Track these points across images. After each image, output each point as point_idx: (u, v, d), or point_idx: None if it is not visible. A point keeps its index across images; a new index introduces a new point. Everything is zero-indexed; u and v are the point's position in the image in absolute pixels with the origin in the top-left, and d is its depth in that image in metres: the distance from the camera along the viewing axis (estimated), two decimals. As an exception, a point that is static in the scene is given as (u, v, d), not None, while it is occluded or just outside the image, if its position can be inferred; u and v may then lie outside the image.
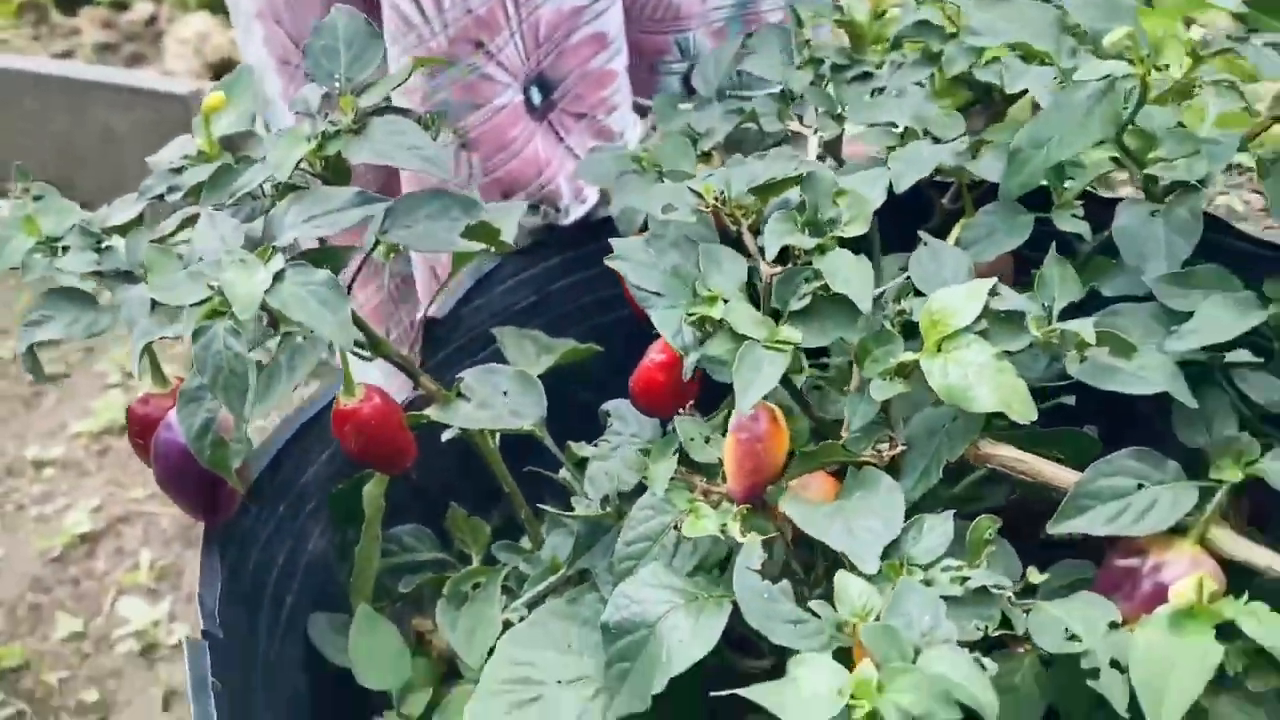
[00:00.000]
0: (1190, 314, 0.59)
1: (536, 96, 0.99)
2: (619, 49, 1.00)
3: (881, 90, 0.84)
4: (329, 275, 0.56)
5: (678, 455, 0.67)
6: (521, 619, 0.77)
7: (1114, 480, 0.58)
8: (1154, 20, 0.56)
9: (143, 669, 1.53)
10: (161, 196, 0.72)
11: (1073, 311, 0.67)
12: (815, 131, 0.79)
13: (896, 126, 0.76)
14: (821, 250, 0.64)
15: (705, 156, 0.89)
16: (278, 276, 0.56)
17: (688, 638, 0.61)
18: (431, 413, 0.75)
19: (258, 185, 0.63)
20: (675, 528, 0.66)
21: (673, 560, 0.66)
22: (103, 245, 0.71)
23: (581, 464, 0.80)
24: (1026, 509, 0.67)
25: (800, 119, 0.83)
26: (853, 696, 0.47)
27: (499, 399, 0.77)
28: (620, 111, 1.03)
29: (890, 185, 0.69)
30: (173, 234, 0.70)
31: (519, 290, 1.04)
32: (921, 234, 0.69)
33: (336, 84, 0.64)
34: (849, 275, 0.61)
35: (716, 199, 0.67)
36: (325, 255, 0.61)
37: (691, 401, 0.73)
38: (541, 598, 0.77)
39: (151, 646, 1.56)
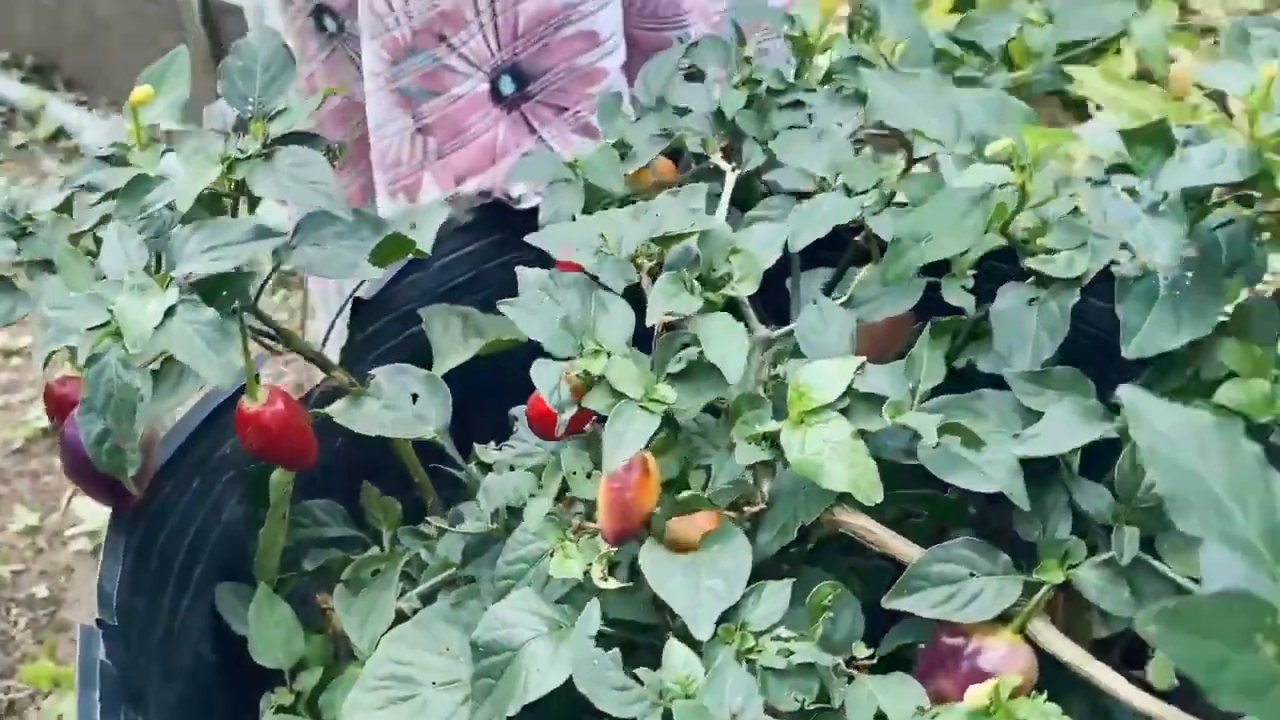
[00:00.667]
0: (1042, 414, 0.62)
1: (509, 86, 1.00)
2: (612, 48, 1.01)
3: (811, 118, 0.86)
4: (216, 316, 0.58)
5: (559, 488, 0.70)
6: (415, 610, 0.82)
7: (946, 566, 0.61)
8: (1036, 136, 0.57)
9: (93, 568, 1.59)
10: (84, 187, 0.73)
11: (955, 378, 0.70)
12: (734, 168, 0.80)
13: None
14: (710, 306, 0.67)
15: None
16: (169, 312, 0.59)
17: (545, 667, 0.65)
18: (335, 414, 0.78)
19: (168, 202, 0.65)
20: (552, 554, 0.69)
21: (545, 586, 0.70)
22: (26, 230, 0.73)
23: (486, 466, 0.84)
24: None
25: (726, 147, 0.84)
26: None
27: (406, 402, 0.80)
28: None
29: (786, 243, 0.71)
30: (92, 229, 0.72)
31: (455, 266, 1.06)
32: (817, 295, 0.72)
33: (250, 107, 0.66)
34: (723, 345, 0.63)
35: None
36: (226, 281, 0.63)
37: (589, 425, 0.76)
38: (433, 593, 0.81)
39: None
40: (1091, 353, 0.70)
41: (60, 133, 2.40)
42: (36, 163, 2.39)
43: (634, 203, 0.82)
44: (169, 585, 0.81)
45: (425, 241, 0.79)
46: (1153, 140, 0.57)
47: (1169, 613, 0.37)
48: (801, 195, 0.80)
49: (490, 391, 0.86)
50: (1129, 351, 0.59)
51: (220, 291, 0.62)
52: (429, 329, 0.96)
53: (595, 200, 0.86)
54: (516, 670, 0.67)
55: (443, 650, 0.74)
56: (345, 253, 0.69)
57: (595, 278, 0.71)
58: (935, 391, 0.67)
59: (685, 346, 0.66)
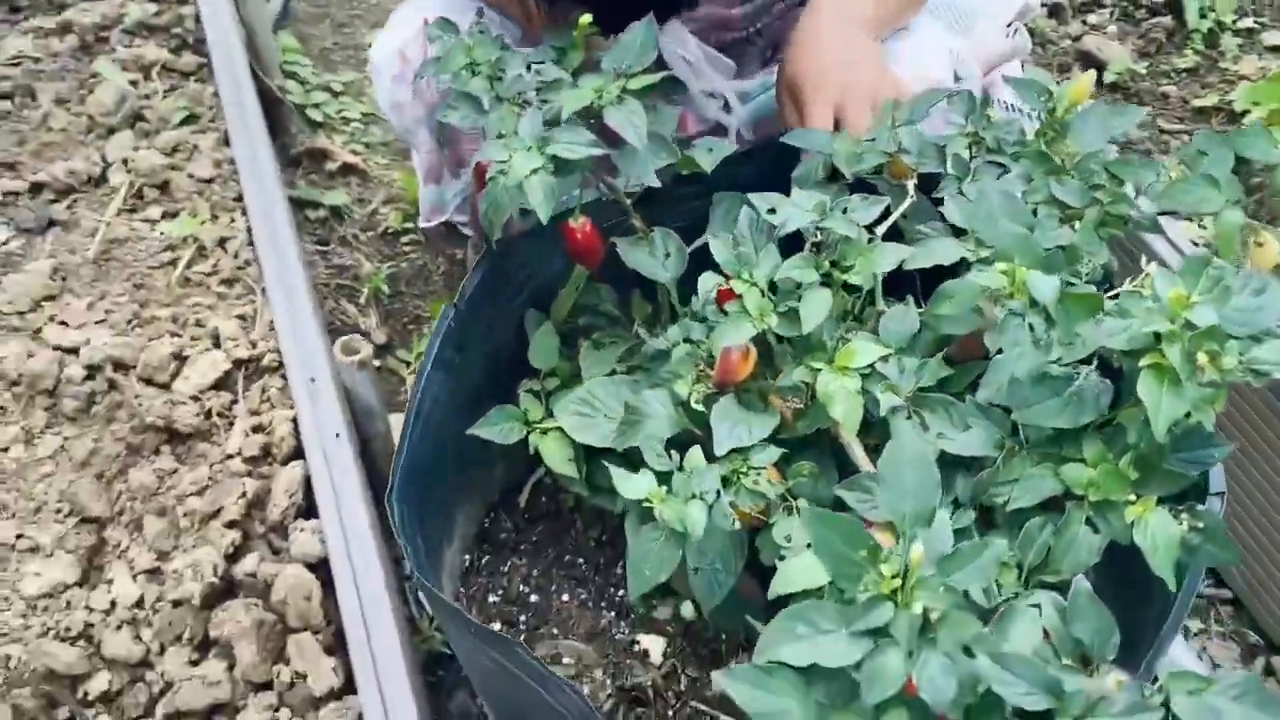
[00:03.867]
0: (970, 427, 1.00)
1: None
2: None
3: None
4: (553, 179, 1.09)
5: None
6: (624, 369, 1.34)
7: (869, 483, 1.03)
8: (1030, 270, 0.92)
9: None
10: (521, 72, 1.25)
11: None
12: (911, 197, 1.17)
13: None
14: (824, 282, 1.08)
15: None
16: (534, 170, 1.10)
17: (658, 428, 1.15)
18: (619, 246, 1.27)
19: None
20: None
21: (673, 390, 1.18)
22: (499, 78, 1.26)
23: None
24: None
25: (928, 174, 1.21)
26: (647, 498, 1.00)
27: (661, 254, 1.28)
28: None
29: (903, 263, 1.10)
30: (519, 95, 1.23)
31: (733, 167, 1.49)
32: (906, 299, 1.10)
33: (623, 64, 1.13)
34: (811, 309, 1.05)
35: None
36: (574, 162, 1.12)
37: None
38: (632, 368, 1.32)
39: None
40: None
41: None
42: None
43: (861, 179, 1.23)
44: (504, 294, 1.37)
45: (710, 163, 1.25)
46: (1086, 304, 0.91)
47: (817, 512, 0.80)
48: (956, 229, 1.17)
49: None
50: (1022, 417, 0.95)
51: (569, 165, 1.13)
52: (715, 207, 1.41)
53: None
54: (642, 422, 1.17)
55: (618, 397, 1.26)
56: (645, 160, 1.17)
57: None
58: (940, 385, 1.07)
59: (790, 301, 1.09)
